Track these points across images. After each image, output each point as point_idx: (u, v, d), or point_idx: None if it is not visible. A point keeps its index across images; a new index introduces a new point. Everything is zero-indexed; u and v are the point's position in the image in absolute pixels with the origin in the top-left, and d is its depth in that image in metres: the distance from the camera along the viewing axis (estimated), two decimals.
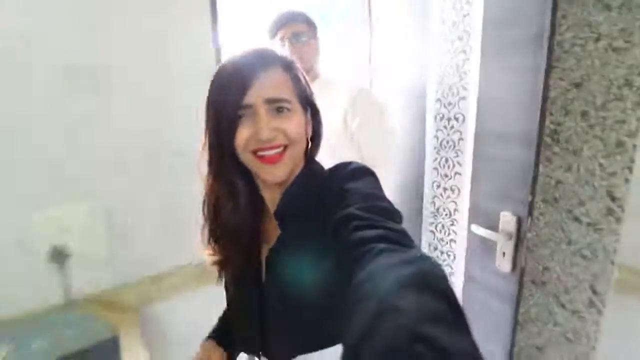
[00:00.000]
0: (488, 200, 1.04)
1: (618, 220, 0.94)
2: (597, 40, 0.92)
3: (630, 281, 0.96)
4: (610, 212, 0.95)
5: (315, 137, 0.58)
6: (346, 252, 0.37)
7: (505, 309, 1.04)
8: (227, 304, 0.65)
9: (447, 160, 1.21)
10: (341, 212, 0.41)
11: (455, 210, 1.20)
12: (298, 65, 0.54)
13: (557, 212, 1.05)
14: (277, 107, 0.49)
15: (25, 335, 0.80)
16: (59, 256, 0.85)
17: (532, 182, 0.89)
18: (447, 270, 1.27)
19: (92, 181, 0.89)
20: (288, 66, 0.52)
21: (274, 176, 0.50)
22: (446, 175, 1.22)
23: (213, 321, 0.70)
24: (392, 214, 0.42)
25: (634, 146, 0.89)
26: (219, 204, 0.54)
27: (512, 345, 1.07)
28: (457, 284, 1.20)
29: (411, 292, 0.26)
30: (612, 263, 0.97)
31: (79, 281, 0.90)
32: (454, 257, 1.24)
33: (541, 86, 0.85)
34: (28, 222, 0.82)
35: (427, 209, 1.31)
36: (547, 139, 1.03)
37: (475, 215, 1.09)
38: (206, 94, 0.51)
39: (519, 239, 0.94)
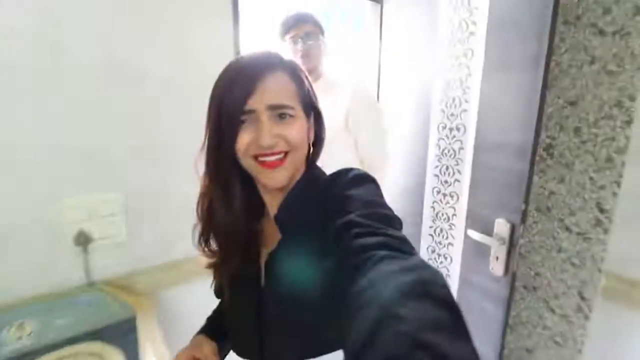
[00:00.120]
0: (484, 206, 1.08)
1: (606, 230, 1.00)
2: (592, 63, 0.97)
3: (617, 289, 1.01)
4: (598, 222, 1.01)
5: (317, 142, 0.57)
6: (347, 258, 0.37)
7: (497, 311, 1.07)
8: (224, 309, 0.63)
9: (447, 168, 1.26)
10: (342, 218, 0.41)
11: (453, 215, 1.25)
12: (304, 69, 0.53)
13: (549, 221, 1.10)
14: (279, 113, 0.48)
15: (49, 312, 0.83)
16: (84, 240, 0.90)
17: (526, 191, 0.94)
18: (444, 272, 1.32)
19: (118, 171, 0.94)
20: (293, 71, 0.51)
21: (275, 181, 0.50)
22: (446, 182, 1.27)
23: None
24: (393, 220, 0.42)
25: (623, 162, 0.95)
26: (212, 205, 0.53)
27: (503, 347, 1.11)
28: (453, 285, 1.25)
29: (412, 300, 0.26)
30: (600, 271, 1.02)
31: (99, 265, 0.94)
32: (451, 260, 1.29)
33: (538, 103, 0.90)
34: (60, 206, 0.86)
35: (427, 214, 1.36)
36: (542, 152, 1.09)
37: (472, 221, 1.14)
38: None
39: (511, 244, 0.99)
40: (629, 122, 0.93)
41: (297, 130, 0.49)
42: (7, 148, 0.80)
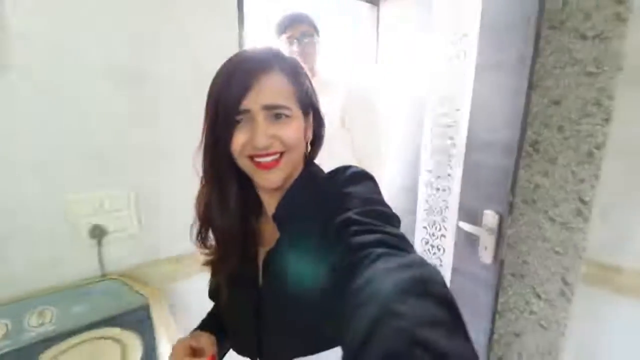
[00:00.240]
0: (474, 199, 1.14)
1: (586, 219, 1.06)
2: (574, 64, 1.04)
3: (596, 274, 1.08)
4: (579, 213, 1.08)
5: (315, 141, 0.57)
6: (345, 256, 0.36)
7: (487, 298, 1.13)
8: (222, 308, 0.63)
9: (440, 163, 1.33)
10: (340, 216, 0.41)
11: (445, 208, 1.32)
12: (303, 67, 0.53)
13: (534, 212, 1.17)
14: (275, 113, 0.47)
15: (66, 301, 0.87)
16: (99, 233, 0.95)
17: (513, 185, 1.01)
18: (437, 262, 1.38)
19: (131, 168, 0.98)
20: (292, 69, 0.50)
21: (269, 182, 0.49)
22: (439, 177, 1.34)
23: None
24: (391, 218, 0.42)
25: (601, 157, 1.02)
26: (209, 204, 0.53)
27: (492, 332, 1.17)
28: (446, 275, 1.32)
29: (410, 297, 0.26)
30: (580, 258, 1.09)
31: (113, 257, 0.98)
32: (444, 251, 1.35)
33: (524, 102, 0.97)
34: (77, 200, 0.91)
35: (421, 207, 1.43)
36: (529, 148, 1.16)
37: (463, 213, 1.20)
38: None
39: (500, 235, 1.06)
40: (607, 120, 1.00)
41: (293, 130, 0.48)
42: (27, 147, 0.84)
